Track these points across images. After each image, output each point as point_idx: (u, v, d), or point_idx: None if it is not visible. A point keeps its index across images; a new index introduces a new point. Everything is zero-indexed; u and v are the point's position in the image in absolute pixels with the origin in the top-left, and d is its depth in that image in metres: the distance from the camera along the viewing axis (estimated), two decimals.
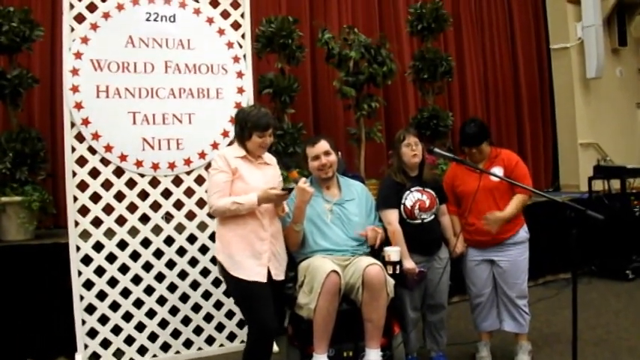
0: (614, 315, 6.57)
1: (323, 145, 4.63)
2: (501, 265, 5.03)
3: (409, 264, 4.63)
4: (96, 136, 5.29)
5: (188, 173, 5.65)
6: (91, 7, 5.40)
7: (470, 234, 5.13)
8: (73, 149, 5.28)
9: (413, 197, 4.84)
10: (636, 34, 11.59)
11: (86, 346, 5.25)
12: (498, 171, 4.95)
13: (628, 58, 11.66)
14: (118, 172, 5.42)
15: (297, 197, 4.35)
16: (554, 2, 11.14)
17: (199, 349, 5.66)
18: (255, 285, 4.11)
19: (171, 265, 5.54)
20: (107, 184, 5.38)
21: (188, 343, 5.62)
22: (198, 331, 5.64)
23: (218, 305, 5.69)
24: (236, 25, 5.95)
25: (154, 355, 5.50)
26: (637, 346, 5.51)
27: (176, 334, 5.57)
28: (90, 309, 5.27)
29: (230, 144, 5.59)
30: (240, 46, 5.94)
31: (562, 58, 11.00)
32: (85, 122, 5.26)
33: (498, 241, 5.00)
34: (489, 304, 5.21)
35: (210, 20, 5.80)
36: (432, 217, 4.94)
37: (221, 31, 5.83)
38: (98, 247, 5.32)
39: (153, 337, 5.48)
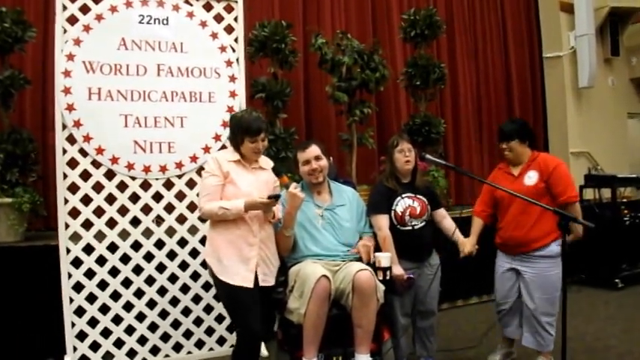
0: (604, 323, 6.60)
1: (314, 149, 4.62)
2: (526, 277, 4.98)
3: (398, 270, 4.61)
4: (87, 139, 5.29)
5: (179, 177, 5.64)
6: (84, 9, 5.40)
7: (500, 238, 5.16)
8: (64, 151, 5.27)
9: (404, 203, 4.84)
10: (629, 44, 11.68)
11: (75, 349, 5.24)
12: (533, 175, 4.94)
13: (620, 68, 11.72)
14: (109, 174, 5.41)
15: (287, 203, 4.34)
16: (548, 11, 11.19)
17: (189, 352, 5.65)
18: (241, 290, 4.11)
19: (161, 268, 5.54)
20: (98, 187, 5.38)
21: (178, 347, 5.62)
22: (187, 334, 5.64)
23: (208, 309, 5.69)
24: (229, 29, 5.96)
25: (144, 359, 5.49)
26: (625, 354, 5.54)
27: (166, 337, 5.56)
28: (79, 311, 5.27)
29: (221, 148, 5.59)
30: (233, 50, 5.94)
31: (555, 67, 11.05)
32: (77, 124, 5.25)
33: (525, 251, 4.96)
34: (512, 313, 5.18)
35: (203, 24, 5.80)
36: (423, 223, 4.92)
37: (214, 35, 5.83)
38: (88, 249, 5.31)
39: (142, 340, 5.48)
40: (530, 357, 5.18)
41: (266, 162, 4.57)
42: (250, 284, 4.13)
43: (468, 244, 4.99)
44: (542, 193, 4.84)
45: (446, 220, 5.15)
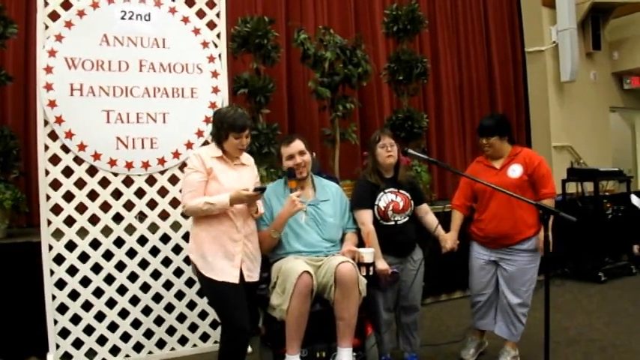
0: (587, 316, 6.64)
1: (298, 144, 4.60)
2: (507, 269, 5.03)
3: (382, 265, 4.62)
4: (69, 135, 5.26)
5: (162, 173, 5.63)
6: (66, 5, 5.36)
7: (479, 230, 5.17)
8: (47, 147, 5.24)
9: (387, 198, 4.84)
10: (610, 39, 11.78)
11: (58, 346, 5.22)
12: (517, 168, 4.98)
13: (602, 62, 11.82)
14: (92, 170, 5.39)
15: (285, 207, 4.36)
16: (530, 5, 11.26)
17: (172, 349, 5.64)
18: (227, 286, 4.10)
19: (144, 265, 5.53)
20: (80, 183, 5.35)
21: (161, 344, 5.61)
22: (171, 331, 5.63)
23: (191, 305, 5.68)
24: (211, 25, 5.94)
25: (127, 356, 5.48)
26: (608, 347, 5.57)
27: (149, 334, 5.55)
28: (62, 308, 5.25)
29: (204, 144, 5.58)
30: (216, 46, 5.92)
31: (537, 62, 11.12)
32: (59, 120, 5.22)
33: (508, 243, 5.00)
34: (489, 305, 5.23)
35: (185, 19, 5.78)
36: (406, 218, 4.93)
37: (196, 31, 5.82)
38: (71, 246, 5.29)
39: (125, 337, 5.46)
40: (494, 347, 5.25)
41: (247, 158, 4.57)
42: (236, 280, 4.13)
43: (449, 240, 5.01)
44: (525, 187, 4.89)
45: (429, 216, 5.15)
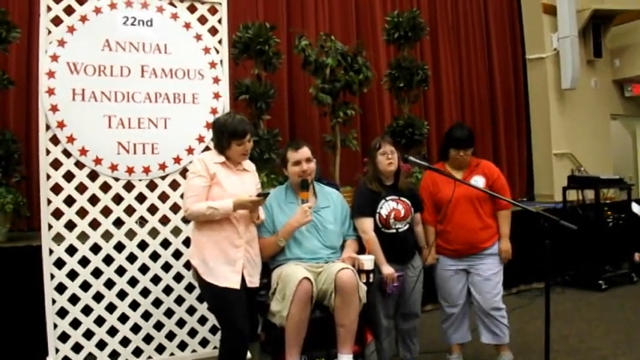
0: (587, 324, 6.63)
1: (306, 151, 4.61)
2: (476, 277, 5.05)
3: (387, 269, 4.64)
4: (71, 139, 5.26)
5: (163, 178, 5.62)
6: (69, 10, 5.37)
7: (446, 242, 5.15)
8: (48, 152, 5.24)
9: (388, 206, 4.84)
10: (611, 46, 11.79)
11: (57, 350, 5.21)
12: (480, 180, 5.02)
13: (603, 70, 11.83)
14: (93, 175, 5.39)
15: (295, 216, 4.40)
16: (531, 13, 11.27)
17: (172, 354, 5.62)
18: (228, 291, 4.10)
19: (144, 269, 5.51)
20: (81, 188, 5.34)
21: (160, 349, 5.59)
22: (170, 336, 5.62)
23: (191, 310, 5.67)
24: (213, 31, 5.94)
25: None
26: (609, 356, 5.56)
27: (148, 339, 5.53)
28: (62, 313, 5.23)
29: (205, 149, 5.58)
30: (217, 52, 5.93)
31: (538, 69, 11.12)
32: (61, 125, 5.22)
33: (475, 251, 5.03)
34: (462, 316, 5.24)
35: (187, 25, 5.78)
36: (407, 226, 4.93)
37: (198, 37, 5.82)
38: (71, 250, 5.28)
39: (125, 341, 5.44)
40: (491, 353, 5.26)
41: (248, 164, 4.58)
42: (237, 285, 4.13)
43: (429, 257, 5.13)
44: (487, 197, 4.94)
45: (419, 227, 5.19)
